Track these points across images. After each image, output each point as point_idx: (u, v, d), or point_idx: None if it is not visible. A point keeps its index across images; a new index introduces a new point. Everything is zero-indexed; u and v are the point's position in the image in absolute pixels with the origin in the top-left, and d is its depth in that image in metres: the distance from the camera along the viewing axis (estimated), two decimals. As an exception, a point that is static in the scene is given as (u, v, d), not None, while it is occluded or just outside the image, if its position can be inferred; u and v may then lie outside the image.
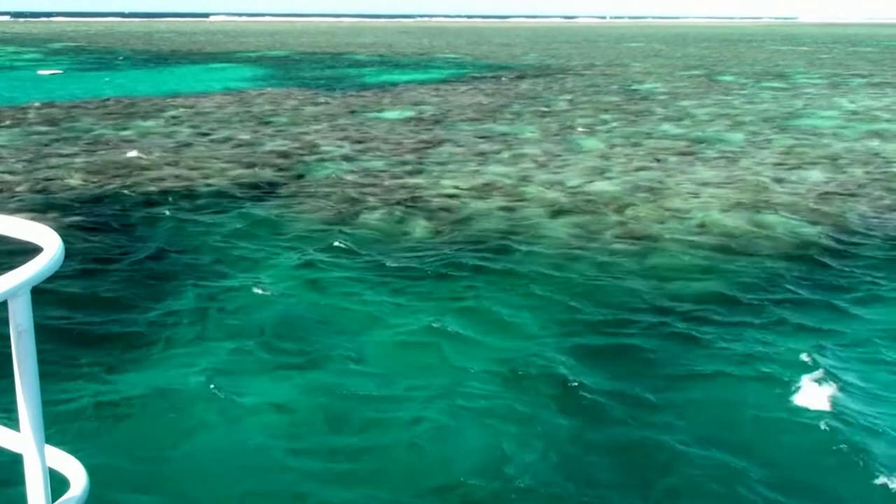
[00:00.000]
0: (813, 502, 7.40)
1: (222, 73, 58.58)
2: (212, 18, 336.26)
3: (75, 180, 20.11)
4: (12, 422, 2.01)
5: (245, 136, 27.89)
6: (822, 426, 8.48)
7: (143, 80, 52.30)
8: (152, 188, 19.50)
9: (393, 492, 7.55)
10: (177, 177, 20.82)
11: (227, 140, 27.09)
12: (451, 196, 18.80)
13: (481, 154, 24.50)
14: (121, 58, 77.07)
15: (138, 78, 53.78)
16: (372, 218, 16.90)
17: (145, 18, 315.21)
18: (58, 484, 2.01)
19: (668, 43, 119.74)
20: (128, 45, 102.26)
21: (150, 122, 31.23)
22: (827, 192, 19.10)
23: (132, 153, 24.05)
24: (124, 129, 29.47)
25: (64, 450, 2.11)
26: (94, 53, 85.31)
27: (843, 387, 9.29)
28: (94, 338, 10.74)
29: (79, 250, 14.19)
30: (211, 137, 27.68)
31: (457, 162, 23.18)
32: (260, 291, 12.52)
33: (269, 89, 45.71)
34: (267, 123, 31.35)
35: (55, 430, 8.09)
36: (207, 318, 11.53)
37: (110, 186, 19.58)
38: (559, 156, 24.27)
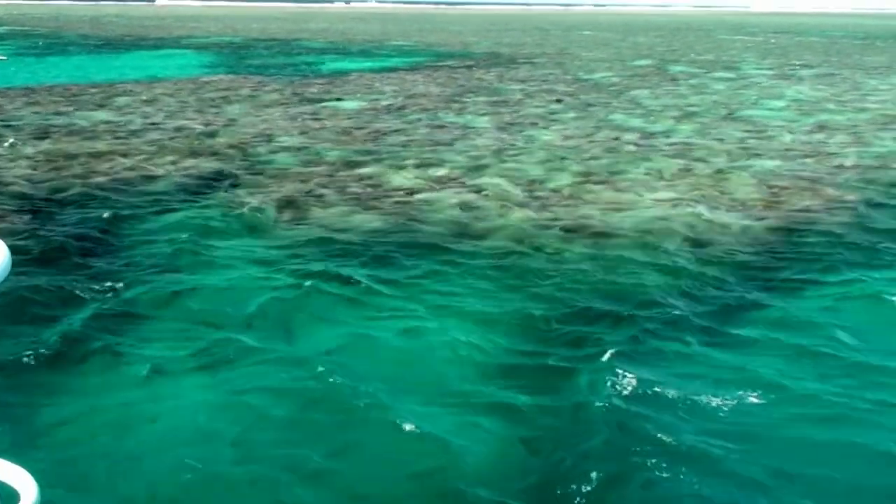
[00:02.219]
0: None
1: (173, 60, 57.86)
2: (159, 2, 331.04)
3: (21, 171, 19.80)
4: None
5: (197, 125, 27.62)
6: (763, 425, 8.70)
7: (91, 66, 51.46)
8: (102, 179, 19.26)
9: (353, 492, 7.60)
10: (128, 167, 20.57)
11: (179, 129, 26.80)
12: (404, 187, 18.82)
13: (435, 144, 24.53)
14: (69, 43, 75.71)
15: (87, 64, 52.90)
16: (325, 209, 16.87)
17: (93, 2, 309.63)
18: (8, 497, 1.99)
19: (619, 32, 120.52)
20: (76, 30, 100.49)
21: (99, 111, 30.78)
22: (777, 185, 19.40)
23: (82, 143, 23.75)
24: (73, 117, 29.01)
25: (11, 460, 2.09)
26: (40, 38, 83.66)
27: (786, 384, 9.54)
28: (31, 339, 10.55)
29: (22, 246, 13.96)
30: (162, 126, 27.36)
31: (411, 152, 23.18)
32: (211, 285, 12.48)
33: (221, 76, 45.26)
34: (219, 112, 31.05)
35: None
36: (155, 313, 11.44)
37: (58, 177, 19.29)
38: (513, 145, 24.38)
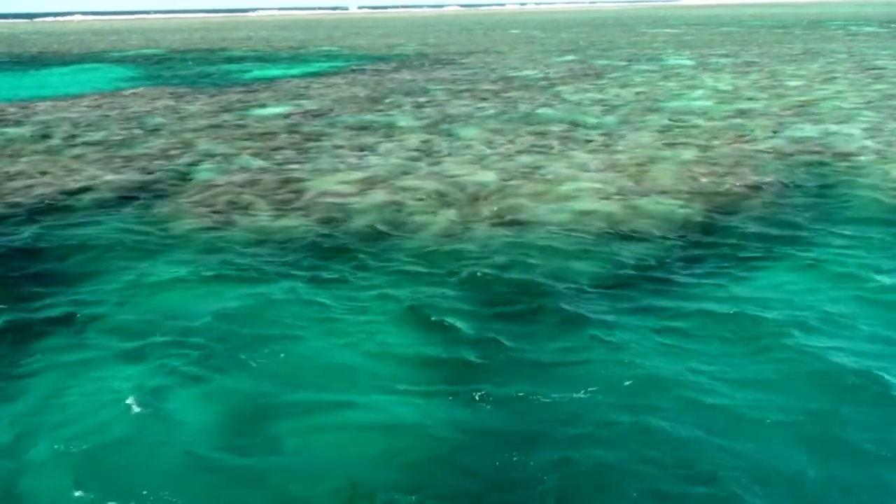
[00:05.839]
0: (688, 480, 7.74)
1: (94, 74, 56.82)
2: (77, 18, 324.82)
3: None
4: None
5: (119, 139, 27.20)
6: (690, 403, 8.89)
7: (7, 84, 50.31)
8: (21, 199, 18.89)
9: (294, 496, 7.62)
10: (48, 185, 20.20)
11: (100, 143, 26.38)
12: (332, 192, 18.75)
13: (362, 147, 24.50)
14: (-17, 62, 73.93)
15: (2, 82, 51.71)
16: (253, 217, 16.76)
17: (8, 20, 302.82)
18: None
19: (544, 29, 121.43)
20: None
21: (17, 128, 30.11)
22: (699, 172, 19.74)
23: None
24: (-10, 136, 28.40)
25: None
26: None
27: (713, 365, 9.77)
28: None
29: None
30: (83, 141, 26.88)
31: (337, 156, 23.12)
32: (139, 299, 12.36)
33: (143, 89, 44.57)
34: (142, 125, 30.59)
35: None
36: (85, 330, 11.31)
37: (-23, 197, 18.92)
38: (439, 146, 24.44)
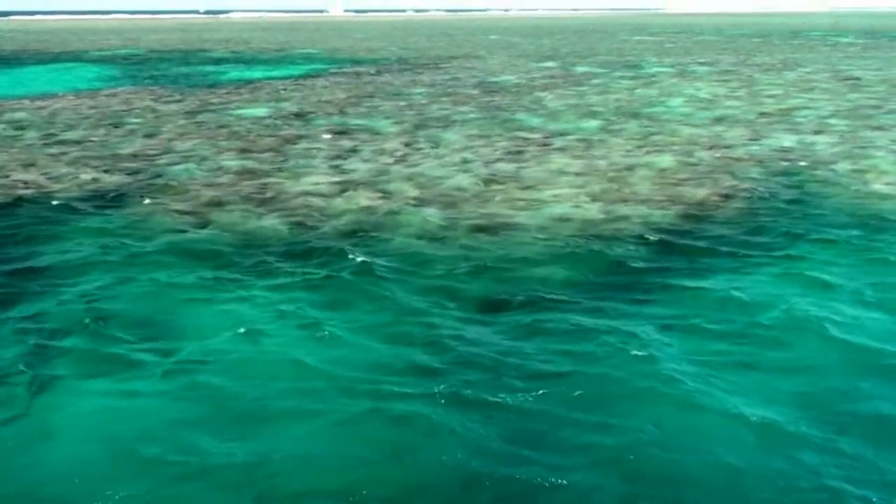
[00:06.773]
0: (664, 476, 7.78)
1: (72, 73, 56.42)
2: (53, 17, 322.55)
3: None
4: None
5: (97, 139, 27.06)
6: (670, 399, 8.93)
7: (-16, 81, 49.95)
8: (-3, 195, 18.81)
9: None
10: (24, 183, 20.08)
11: (77, 143, 26.23)
12: (310, 193, 18.72)
13: (341, 149, 24.47)
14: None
15: (-20, 80, 51.34)
16: (229, 218, 16.69)
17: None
18: None
19: (525, 35, 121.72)
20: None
21: (-7, 126, 29.95)
22: (676, 178, 19.86)
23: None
24: (-35, 133, 28.18)
25: None
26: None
27: (692, 364, 9.81)
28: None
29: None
30: (60, 140, 26.74)
31: (316, 158, 23.09)
32: (111, 296, 12.27)
33: (121, 89, 44.37)
34: (120, 124, 30.45)
35: None
36: (56, 327, 11.22)
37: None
38: (418, 149, 24.46)
